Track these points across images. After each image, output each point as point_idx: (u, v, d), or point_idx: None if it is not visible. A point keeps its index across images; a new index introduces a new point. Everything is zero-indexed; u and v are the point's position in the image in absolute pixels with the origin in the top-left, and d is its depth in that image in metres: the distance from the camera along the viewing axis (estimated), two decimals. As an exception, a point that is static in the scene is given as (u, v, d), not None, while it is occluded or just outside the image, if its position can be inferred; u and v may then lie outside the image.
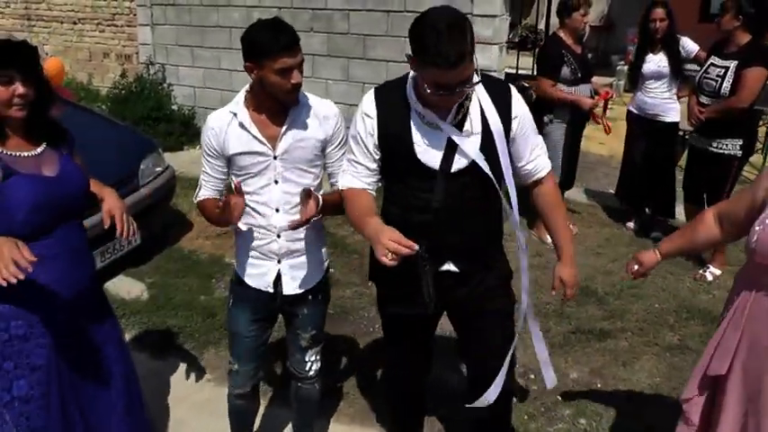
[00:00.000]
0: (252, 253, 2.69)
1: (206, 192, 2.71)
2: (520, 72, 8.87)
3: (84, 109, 6.02)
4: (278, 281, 2.70)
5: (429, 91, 2.20)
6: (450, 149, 2.35)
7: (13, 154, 2.31)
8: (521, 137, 2.45)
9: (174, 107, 8.56)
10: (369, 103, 2.45)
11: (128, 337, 4.01)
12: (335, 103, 2.76)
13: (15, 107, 2.25)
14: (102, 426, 2.60)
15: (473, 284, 2.54)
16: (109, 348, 2.63)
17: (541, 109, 5.22)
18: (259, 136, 2.53)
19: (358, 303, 4.52)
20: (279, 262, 2.69)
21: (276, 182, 2.59)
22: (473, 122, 2.36)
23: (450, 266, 2.50)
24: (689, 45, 5.39)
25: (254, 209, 2.62)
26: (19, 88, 2.23)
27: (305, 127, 2.57)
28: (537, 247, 5.34)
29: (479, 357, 2.71)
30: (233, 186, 2.51)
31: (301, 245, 2.68)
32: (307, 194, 2.43)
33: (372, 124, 2.42)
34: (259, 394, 3.07)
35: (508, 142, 2.40)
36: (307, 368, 2.92)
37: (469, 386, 2.78)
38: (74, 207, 2.44)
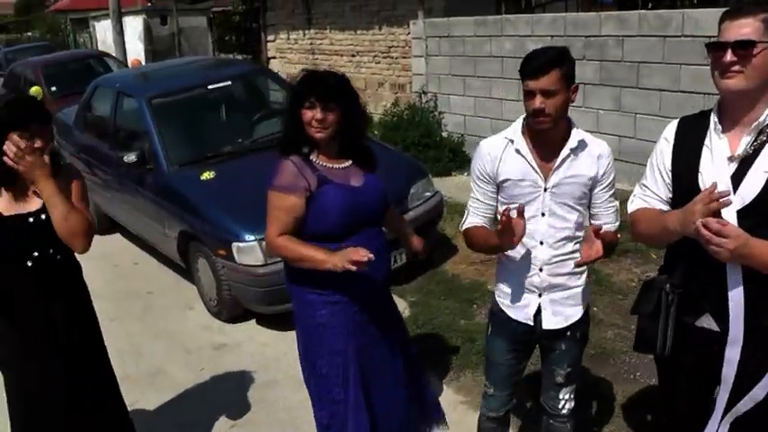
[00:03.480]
0: (513, 284, 2.68)
1: (473, 219, 2.74)
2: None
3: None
4: (538, 314, 2.66)
5: None
6: (736, 182, 2.12)
7: (327, 165, 2.79)
8: None
9: (444, 134, 8.85)
10: (670, 128, 2.35)
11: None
12: (605, 134, 2.67)
13: (314, 128, 2.70)
14: (390, 398, 3.08)
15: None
16: (395, 335, 3.11)
17: None
18: (534, 165, 2.52)
19: (620, 346, 4.27)
20: (540, 295, 2.64)
21: (543, 214, 2.55)
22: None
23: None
24: None
25: None
26: (317, 114, 2.66)
27: (578, 163, 2.52)
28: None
29: None
30: (514, 211, 2.43)
31: (563, 280, 2.62)
32: (595, 233, 2.38)
33: (668, 149, 2.31)
34: (509, 421, 3.04)
35: None
36: (560, 405, 2.84)
37: None
38: (374, 214, 2.90)
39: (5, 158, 2.62)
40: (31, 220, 2.73)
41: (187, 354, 4.74)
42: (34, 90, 10.22)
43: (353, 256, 2.52)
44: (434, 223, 5.70)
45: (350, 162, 2.86)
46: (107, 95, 6.95)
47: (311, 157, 2.77)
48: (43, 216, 2.72)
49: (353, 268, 2.51)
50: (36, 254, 2.75)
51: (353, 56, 10.83)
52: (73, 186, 2.83)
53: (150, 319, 5.32)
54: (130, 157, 5.59)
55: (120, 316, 5.22)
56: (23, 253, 2.74)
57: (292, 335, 4.56)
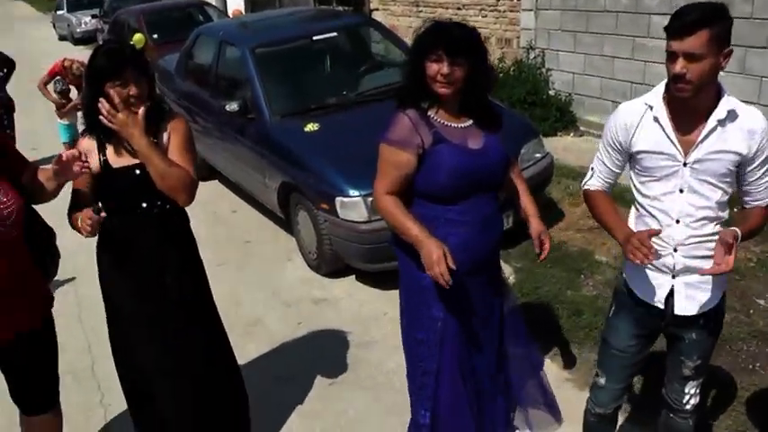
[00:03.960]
0: None
1: (595, 182, 2.57)
2: None
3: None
4: (670, 297, 2.44)
5: None
6: None
7: (445, 123, 2.60)
8: None
9: (551, 92, 8.49)
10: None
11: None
12: (768, 106, 2.38)
13: (439, 83, 2.50)
14: (490, 375, 2.90)
15: None
16: (499, 301, 2.90)
17: None
18: (673, 137, 2.28)
19: (737, 332, 3.95)
20: (673, 277, 2.42)
21: (681, 191, 2.31)
22: None
23: None
24: None
25: (652, 215, 2.40)
26: (444, 68, 2.46)
27: (726, 138, 2.24)
28: None
29: None
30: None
31: (700, 262, 2.36)
32: (728, 245, 2.15)
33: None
34: (617, 418, 2.85)
35: None
36: (684, 400, 2.62)
37: None
38: (491, 180, 2.67)
39: (101, 116, 2.60)
40: (138, 171, 2.71)
41: (285, 306, 4.73)
42: (137, 37, 10.34)
43: (440, 268, 2.37)
44: (543, 187, 5.46)
45: (470, 122, 2.64)
46: (210, 44, 6.95)
47: (429, 113, 2.59)
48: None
49: (441, 281, 2.39)
50: (144, 204, 2.74)
51: (459, 9, 10.46)
52: (177, 136, 2.80)
53: (249, 268, 5.34)
54: (232, 106, 5.58)
55: (219, 264, 5.26)
56: (133, 204, 2.74)
57: (392, 294, 4.51)
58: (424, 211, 2.61)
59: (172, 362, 2.91)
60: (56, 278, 5.45)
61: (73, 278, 5.32)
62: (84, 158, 2.56)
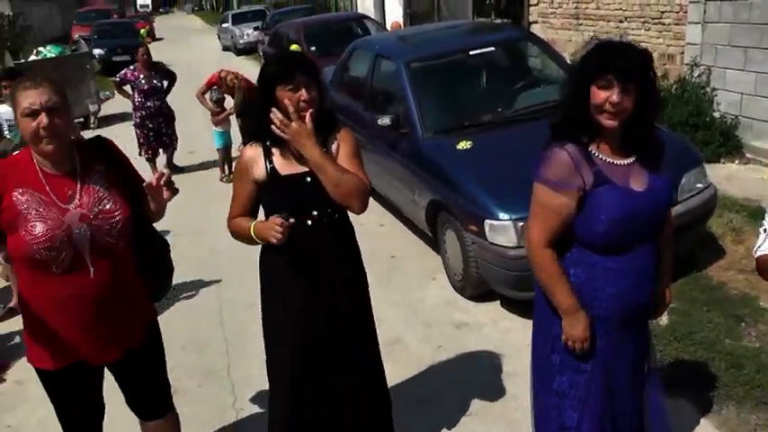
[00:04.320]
0: None
1: None
2: None
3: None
4: None
5: None
6: None
7: (607, 160, 2.32)
8: None
9: (716, 114, 7.88)
10: None
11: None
12: None
13: (606, 114, 2.23)
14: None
15: None
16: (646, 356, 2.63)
17: None
18: None
19: None
20: None
21: None
22: None
23: None
24: None
25: None
26: (614, 96, 2.20)
27: None
28: None
29: None
30: None
31: None
32: None
33: None
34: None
35: None
36: None
37: None
38: (653, 228, 2.40)
39: (273, 126, 2.58)
40: (308, 179, 2.67)
41: (426, 327, 4.61)
42: (293, 47, 10.73)
43: (581, 345, 2.33)
44: (704, 221, 5.02)
45: (633, 158, 2.35)
46: (365, 57, 7.01)
47: (590, 148, 2.32)
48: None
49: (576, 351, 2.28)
50: (315, 212, 2.70)
51: (621, 21, 9.97)
52: (346, 146, 2.76)
53: (392, 284, 5.28)
54: (384, 120, 5.56)
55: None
56: (303, 211, 2.69)
57: None
58: (581, 257, 2.38)
59: (336, 373, 2.87)
60: (201, 279, 5.72)
61: (218, 281, 5.50)
62: (165, 179, 2.52)
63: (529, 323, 4.37)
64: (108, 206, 2.52)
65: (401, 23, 15.00)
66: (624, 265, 2.35)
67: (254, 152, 2.74)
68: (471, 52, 6.06)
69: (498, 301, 4.76)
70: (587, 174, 2.27)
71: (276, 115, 2.56)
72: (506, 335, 4.41)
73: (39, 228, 2.40)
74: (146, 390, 2.90)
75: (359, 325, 2.94)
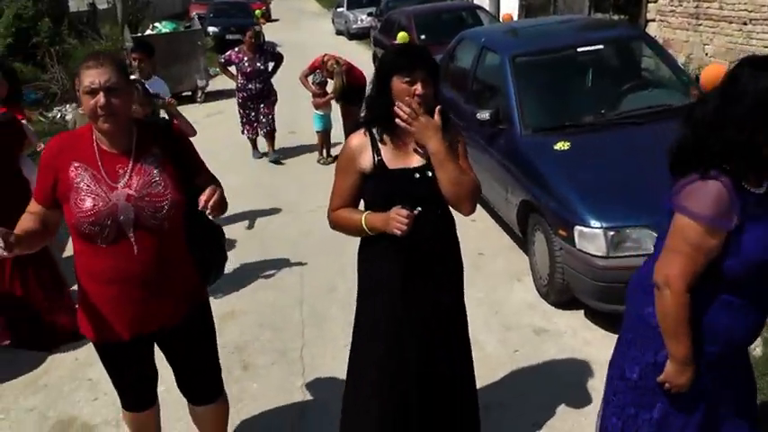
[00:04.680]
0: None
1: None
2: None
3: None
4: None
5: None
6: None
7: (755, 192, 2.09)
8: None
9: None
10: None
11: None
12: None
13: None
14: None
15: None
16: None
17: None
18: None
19: None
20: None
21: None
22: None
23: None
24: None
25: None
26: None
27: None
28: None
29: None
30: None
31: None
32: None
33: None
34: None
35: None
36: None
37: None
38: None
39: (397, 120, 2.56)
40: (417, 175, 2.65)
41: (505, 329, 4.49)
42: (401, 35, 10.68)
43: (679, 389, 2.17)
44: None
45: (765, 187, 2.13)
46: (471, 49, 6.90)
47: (743, 181, 2.07)
48: (429, 173, 2.63)
49: None
50: (420, 208, 2.63)
51: (745, 24, 9.36)
52: (459, 145, 2.73)
53: (476, 282, 5.15)
54: (483, 115, 5.44)
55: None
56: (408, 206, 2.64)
57: None
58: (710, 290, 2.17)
59: (430, 366, 2.83)
60: (287, 259, 5.80)
61: (304, 263, 5.56)
62: (212, 204, 2.52)
63: (610, 336, 4.24)
64: (157, 189, 2.55)
65: (513, 15, 14.69)
66: (756, 301, 2.18)
67: (362, 142, 2.70)
68: (579, 49, 5.83)
69: (582, 311, 4.57)
70: (737, 210, 2.04)
71: (403, 108, 2.54)
72: (586, 346, 4.23)
73: (87, 203, 2.47)
74: (192, 371, 2.93)
75: (455, 320, 2.92)
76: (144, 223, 2.53)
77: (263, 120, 8.87)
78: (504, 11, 16.11)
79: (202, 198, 2.50)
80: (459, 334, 2.97)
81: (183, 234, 2.71)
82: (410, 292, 2.74)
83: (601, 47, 5.93)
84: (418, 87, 2.55)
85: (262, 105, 8.80)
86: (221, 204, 2.59)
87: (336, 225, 2.80)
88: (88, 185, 2.48)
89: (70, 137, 2.67)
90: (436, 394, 2.87)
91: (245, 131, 8.98)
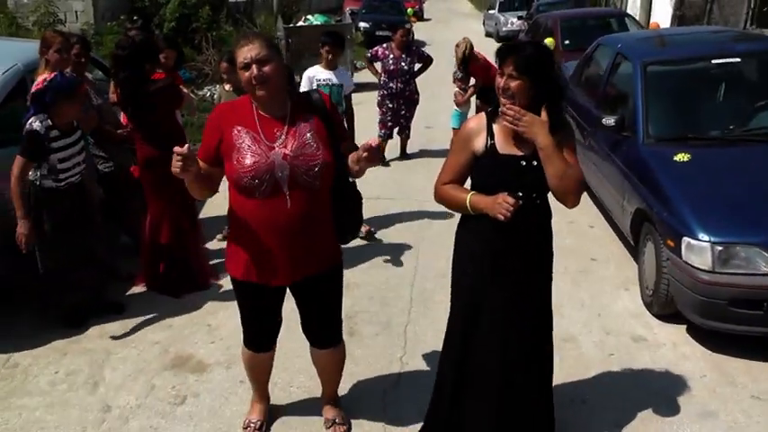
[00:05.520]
0: None
1: None
2: None
3: None
4: None
5: None
6: None
7: None
8: None
9: None
10: None
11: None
12: None
13: None
14: None
15: None
16: None
17: None
18: None
19: None
20: None
21: None
22: None
23: None
24: None
25: None
26: None
27: None
28: None
29: None
30: None
31: None
32: None
33: None
34: None
35: None
36: None
37: None
38: None
39: (504, 121, 2.77)
40: (524, 163, 2.83)
41: (604, 333, 4.51)
42: (548, 41, 10.67)
43: None
44: None
45: None
46: (606, 54, 6.87)
47: None
48: (534, 162, 2.81)
49: None
50: (520, 194, 2.82)
51: None
52: (570, 141, 2.89)
53: (584, 285, 5.20)
54: (609, 121, 5.44)
55: (557, 271, 5.20)
56: (510, 192, 2.80)
57: (718, 358, 4.13)
58: None
59: (519, 352, 3.05)
60: (407, 243, 6.08)
61: (420, 250, 5.82)
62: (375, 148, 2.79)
63: (709, 355, 4.25)
64: (310, 150, 2.88)
65: (660, 24, 14.19)
66: None
67: (479, 124, 2.93)
68: (714, 61, 5.69)
69: (685, 326, 4.49)
70: None
71: (509, 110, 2.73)
72: (682, 360, 4.18)
73: (248, 160, 2.83)
74: (320, 318, 3.27)
75: (538, 306, 3.09)
76: (297, 180, 2.87)
77: (403, 121, 8.80)
78: (655, 20, 15.60)
79: (372, 141, 2.85)
80: (539, 321, 3.12)
81: (330, 198, 3.03)
82: (498, 271, 2.94)
83: (737, 60, 5.74)
84: (502, 81, 2.75)
85: (402, 105, 8.73)
86: (376, 155, 2.89)
87: (442, 198, 3.03)
88: (249, 145, 2.85)
89: (232, 105, 3.07)
90: (513, 359, 3.04)
91: (379, 128, 8.88)
